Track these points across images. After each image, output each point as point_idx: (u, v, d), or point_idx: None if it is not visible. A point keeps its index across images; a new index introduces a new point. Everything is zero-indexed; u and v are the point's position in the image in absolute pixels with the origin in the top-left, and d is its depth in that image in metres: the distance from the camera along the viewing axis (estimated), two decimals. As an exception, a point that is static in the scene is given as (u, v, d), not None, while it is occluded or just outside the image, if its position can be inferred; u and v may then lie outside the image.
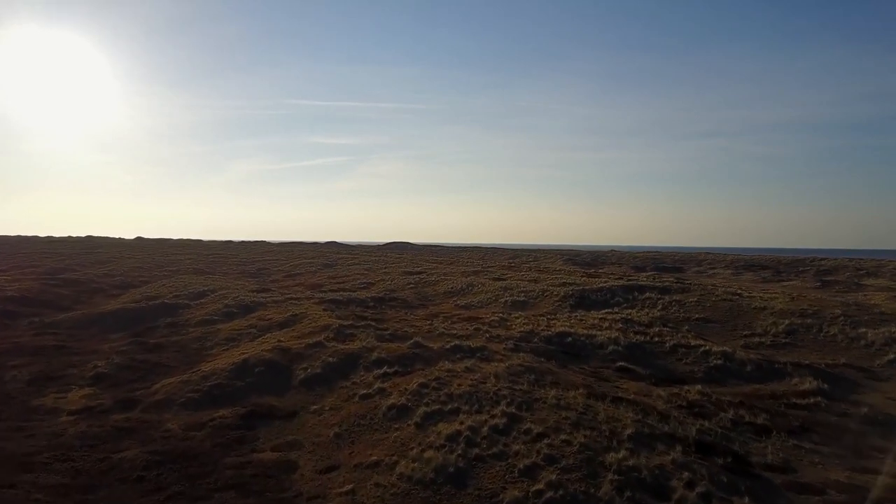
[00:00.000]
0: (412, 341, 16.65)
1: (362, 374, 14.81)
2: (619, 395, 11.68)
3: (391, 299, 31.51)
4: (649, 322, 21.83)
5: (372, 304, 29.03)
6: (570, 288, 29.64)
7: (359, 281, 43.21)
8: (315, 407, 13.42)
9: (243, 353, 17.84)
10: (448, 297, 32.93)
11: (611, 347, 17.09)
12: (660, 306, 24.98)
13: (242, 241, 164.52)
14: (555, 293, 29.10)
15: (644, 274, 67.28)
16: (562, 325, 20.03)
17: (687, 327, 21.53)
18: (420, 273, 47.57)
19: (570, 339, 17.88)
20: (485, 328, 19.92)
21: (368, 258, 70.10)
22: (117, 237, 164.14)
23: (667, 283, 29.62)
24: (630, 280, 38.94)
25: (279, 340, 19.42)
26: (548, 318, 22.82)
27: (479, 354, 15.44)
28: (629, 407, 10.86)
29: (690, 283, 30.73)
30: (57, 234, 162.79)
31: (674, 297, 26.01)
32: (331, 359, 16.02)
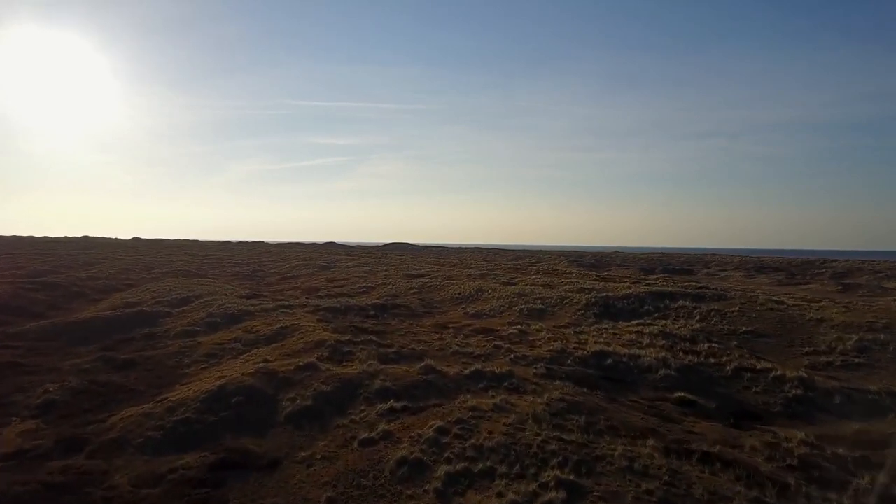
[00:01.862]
0: (423, 365, 13.78)
1: (363, 408, 11.95)
2: (703, 447, 8.86)
3: (393, 306, 28.67)
4: (691, 336, 18.98)
5: (372, 312, 26.19)
6: (592, 295, 26.79)
7: (358, 285, 40.37)
8: (303, 454, 10.55)
9: (221, 377, 14.97)
10: (456, 304, 30.08)
11: (661, 371, 14.24)
12: (697, 317, 22.14)
13: (240, 242, 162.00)
14: (575, 300, 26.24)
15: (654, 276, 64.67)
16: (595, 342, 17.18)
17: (736, 342, 18.69)
18: (423, 276, 44.72)
19: (610, 360, 15.04)
20: (505, 345, 17.07)
21: (368, 260, 67.22)
22: (114, 238, 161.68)
23: (700, 290, 26.77)
24: (652, 285, 36.15)
25: (265, 359, 16.57)
26: (574, 332, 19.97)
27: (506, 383, 12.58)
28: (726, 470, 8.05)
29: (727, 290, 27.89)
30: (55, 234, 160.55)
31: (711, 306, 23.17)
32: (324, 387, 13.15)
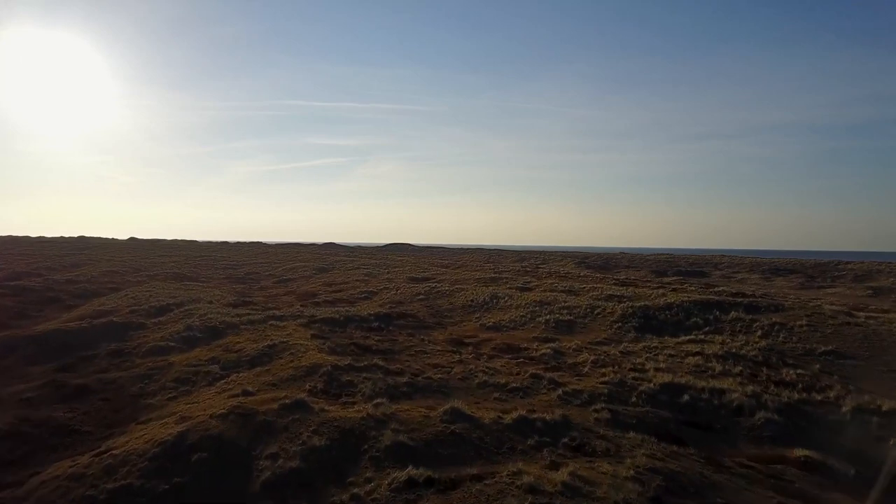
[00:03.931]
0: (447, 407, 10.41)
1: (370, 475, 8.60)
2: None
3: (399, 316, 25.33)
4: (764, 358, 15.69)
5: (376, 323, 22.85)
6: (626, 304, 23.44)
7: (358, 290, 37.02)
8: (284, 554, 7.22)
9: (185, 418, 11.59)
10: (469, 313, 26.74)
11: (759, 415, 10.90)
12: (759, 332, 18.79)
13: (238, 243, 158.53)
14: (608, 311, 22.90)
15: (668, 278, 61.63)
16: (656, 370, 13.82)
17: (819, 366, 15.36)
18: (428, 280, 41.41)
19: (686, 396, 11.72)
20: (545, 374, 13.70)
21: (368, 261, 63.84)
22: (110, 238, 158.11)
23: (751, 299, 23.43)
24: (680, 290, 32.85)
25: (244, 391, 13.22)
26: (620, 352, 16.64)
27: (565, 438, 9.23)
28: None
29: (782, 299, 24.56)
30: (53, 234, 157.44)
31: (772, 319, 19.84)
32: (317, 438, 9.80)
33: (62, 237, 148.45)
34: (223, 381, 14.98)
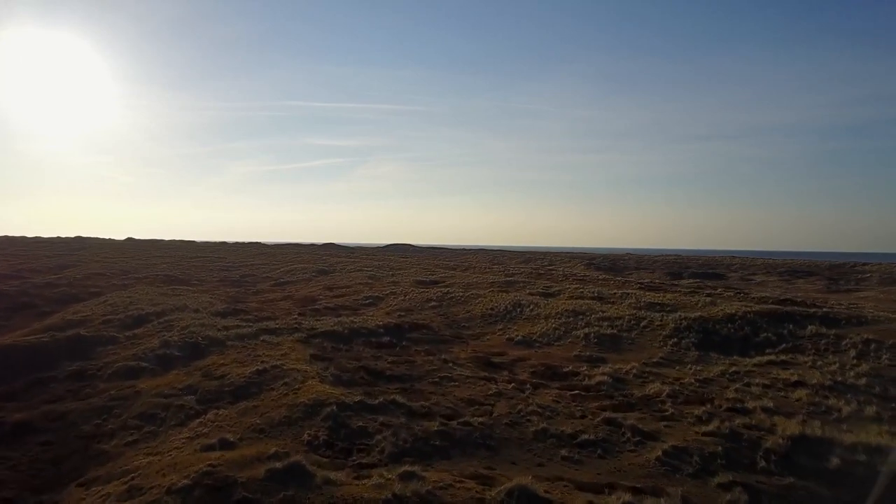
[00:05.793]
0: (510, 487, 7.10)
1: None
2: None
3: (412, 327, 22.05)
4: (880, 389, 12.45)
5: (386, 337, 19.59)
6: (677, 315, 20.18)
7: (362, 294, 33.68)
8: None
9: (131, 496, 8.29)
10: (490, 324, 23.44)
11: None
12: (851, 351, 15.52)
13: (237, 243, 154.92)
14: (656, 322, 19.65)
15: (685, 281, 58.53)
16: (754, 403, 10.46)
17: (954, 401, 12.07)
18: (437, 284, 38.11)
19: (835, 459, 8.44)
20: (619, 415, 10.38)
21: (370, 262, 60.48)
22: (108, 238, 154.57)
23: (824, 310, 20.16)
24: (715, 296, 29.63)
25: (221, 439, 9.94)
26: (697, 381, 13.32)
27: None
28: None
29: (860, 310, 21.28)
30: (51, 235, 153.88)
31: (862, 335, 16.57)
32: (319, 538, 6.50)
33: (59, 237, 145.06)
34: (198, 421, 11.69)
